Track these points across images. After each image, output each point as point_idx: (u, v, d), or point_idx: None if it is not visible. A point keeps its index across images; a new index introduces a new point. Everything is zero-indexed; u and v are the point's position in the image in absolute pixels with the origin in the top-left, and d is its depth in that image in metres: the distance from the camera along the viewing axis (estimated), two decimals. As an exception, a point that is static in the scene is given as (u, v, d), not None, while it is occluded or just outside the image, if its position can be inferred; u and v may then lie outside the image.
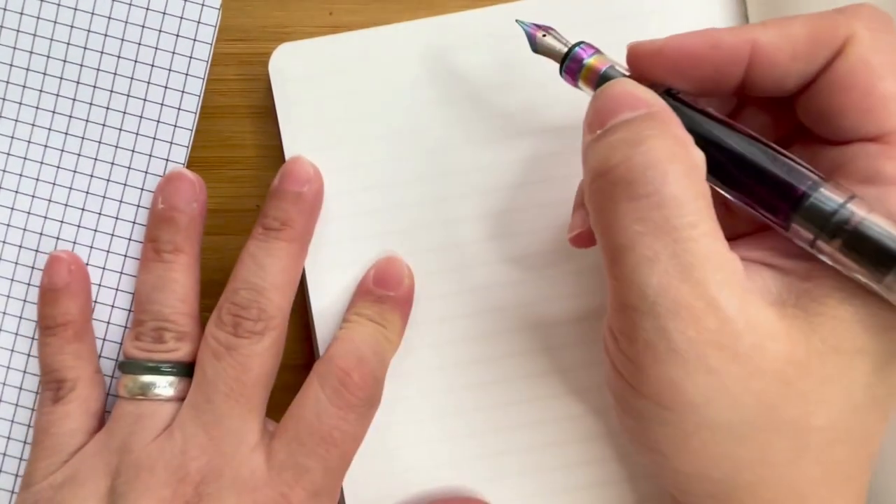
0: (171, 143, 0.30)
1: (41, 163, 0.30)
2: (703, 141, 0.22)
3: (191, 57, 0.30)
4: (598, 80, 0.24)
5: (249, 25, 0.30)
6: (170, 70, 0.30)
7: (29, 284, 0.30)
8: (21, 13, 0.30)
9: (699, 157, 0.21)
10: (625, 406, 0.23)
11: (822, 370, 0.21)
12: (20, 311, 0.30)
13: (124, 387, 0.28)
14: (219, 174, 0.30)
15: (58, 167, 0.30)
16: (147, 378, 0.28)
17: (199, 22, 0.30)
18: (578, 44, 0.25)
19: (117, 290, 0.30)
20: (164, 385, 0.28)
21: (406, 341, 0.29)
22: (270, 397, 0.28)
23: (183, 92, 0.30)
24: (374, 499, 0.30)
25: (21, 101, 0.30)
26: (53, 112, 0.30)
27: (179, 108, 0.30)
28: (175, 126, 0.30)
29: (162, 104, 0.30)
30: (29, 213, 0.30)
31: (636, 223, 0.20)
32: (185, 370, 0.28)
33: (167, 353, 0.28)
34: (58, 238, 0.30)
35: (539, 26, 0.26)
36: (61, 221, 0.30)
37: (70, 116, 0.30)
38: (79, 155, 0.30)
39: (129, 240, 0.30)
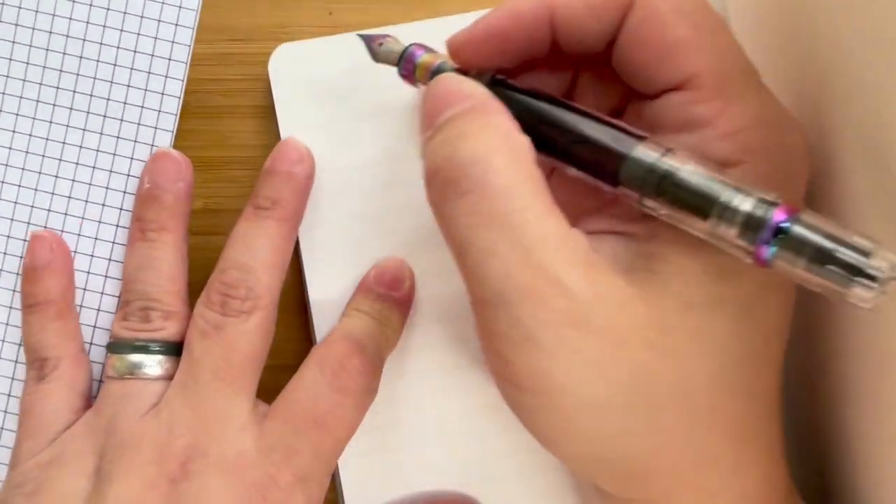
0: (156, 128, 0.30)
1: (26, 152, 0.30)
2: (531, 121, 0.22)
3: (173, 42, 0.30)
4: (432, 76, 0.24)
5: (249, 25, 0.30)
6: (153, 55, 0.30)
7: (18, 274, 0.30)
8: (3, 3, 0.30)
9: (523, 141, 0.21)
10: (510, 403, 0.22)
11: (684, 327, 0.20)
12: (10, 301, 0.30)
13: (112, 367, 0.28)
14: (219, 174, 0.31)
15: (43, 156, 0.30)
16: (135, 357, 0.28)
17: (180, 7, 0.30)
18: (410, 45, 0.25)
19: (106, 276, 0.30)
20: (152, 364, 0.28)
21: (406, 341, 0.30)
22: (271, 394, 0.28)
23: (166, 77, 0.30)
24: (374, 498, 0.30)
25: (3, 91, 0.30)
26: (37, 101, 0.30)
27: (163, 94, 0.30)
28: (159, 111, 0.30)
29: (146, 90, 0.30)
30: (16, 202, 0.30)
31: (469, 217, 0.20)
32: (174, 349, 0.28)
33: (154, 333, 0.28)
34: (45, 226, 0.30)
35: (377, 36, 0.26)
36: (48, 210, 0.30)
37: (54, 105, 0.30)
38: (64, 143, 0.30)
39: (117, 226, 0.30)
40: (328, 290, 0.30)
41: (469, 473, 0.30)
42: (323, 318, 0.30)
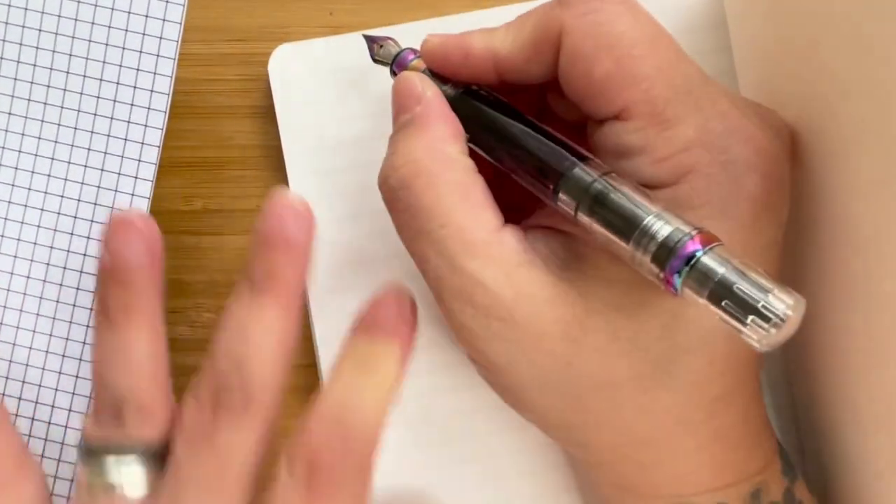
0: (146, 126, 0.30)
1: (19, 151, 0.30)
2: (488, 133, 0.24)
3: (161, 38, 0.29)
4: None
5: (249, 25, 0.30)
6: (140, 52, 0.30)
7: (8, 291, 0.30)
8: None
9: (453, 152, 0.24)
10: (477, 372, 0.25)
11: (606, 327, 0.22)
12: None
13: (85, 484, 0.23)
14: (219, 174, 0.31)
15: (35, 155, 0.30)
16: (111, 468, 0.23)
17: (167, 1, 0.29)
18: (404, 49, 0.27)
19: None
20: (132, 482, 0.23)
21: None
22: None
23: (155, 74, 0.30)
24: (373, 499, 0.30)
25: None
26: (28, 100, 0.30)
27: (152, 91, 0.30)
28: (149, 109, 0.30)
29: (135, 87, 0.30)
30: (6, 219, 0.30)
31: (403, 231, 0.24)
32: (157, 456, 0.23)
33: (131, 438, 0.23)
34: (35, 243, 0.30)
35: (380, 37, 0.28)
36: (41, 209, 0.30)
37: (45, 103, 0.30)
38: (55, 142, 0.30)
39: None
40: (328, 290, 0.30)
41: (468, 473, 0.30)
42: (322, 318, 0.30)
